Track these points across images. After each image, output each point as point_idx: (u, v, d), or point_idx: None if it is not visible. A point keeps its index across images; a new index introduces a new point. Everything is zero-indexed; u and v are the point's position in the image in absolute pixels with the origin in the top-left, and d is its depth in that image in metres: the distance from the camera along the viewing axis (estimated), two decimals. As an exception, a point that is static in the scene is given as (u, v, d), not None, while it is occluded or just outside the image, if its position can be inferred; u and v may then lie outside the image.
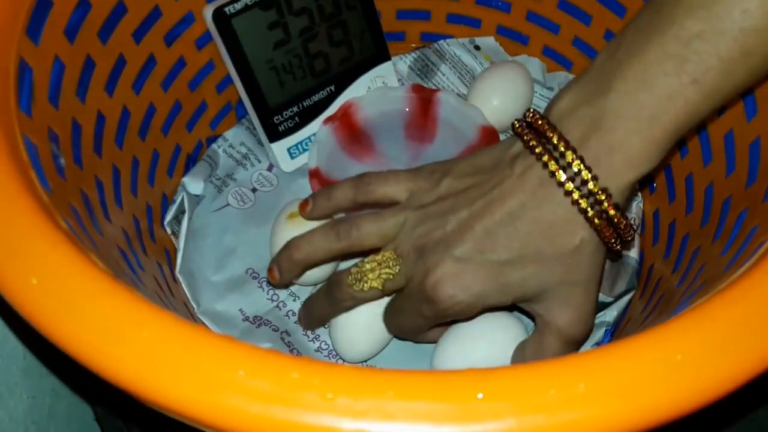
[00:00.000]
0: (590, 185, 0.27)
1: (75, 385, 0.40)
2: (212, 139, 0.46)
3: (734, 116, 0.33)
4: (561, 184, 0.28)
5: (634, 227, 0.31)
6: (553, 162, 0.28)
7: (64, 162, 0.29)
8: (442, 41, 0.50)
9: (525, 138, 0.30)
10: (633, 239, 0.33)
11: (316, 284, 0.41)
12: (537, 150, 0.29)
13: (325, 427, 0.17)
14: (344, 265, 0.41)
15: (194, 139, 0.45)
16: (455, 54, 0.50)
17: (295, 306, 0.40)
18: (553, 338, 0.32)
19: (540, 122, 0.29)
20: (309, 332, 0.39)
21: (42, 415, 0.37)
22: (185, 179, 0.44)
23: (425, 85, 0.48)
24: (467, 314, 0.31)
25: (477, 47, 0.50)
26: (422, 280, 0.31)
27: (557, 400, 0.18)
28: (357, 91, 0.46)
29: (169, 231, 0.42)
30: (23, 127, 0.25)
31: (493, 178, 0.31)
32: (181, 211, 0.42)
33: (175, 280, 0.40)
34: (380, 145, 0.45)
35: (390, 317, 0.35)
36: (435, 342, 0.36)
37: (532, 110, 0.30)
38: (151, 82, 0.39)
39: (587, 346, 0.37)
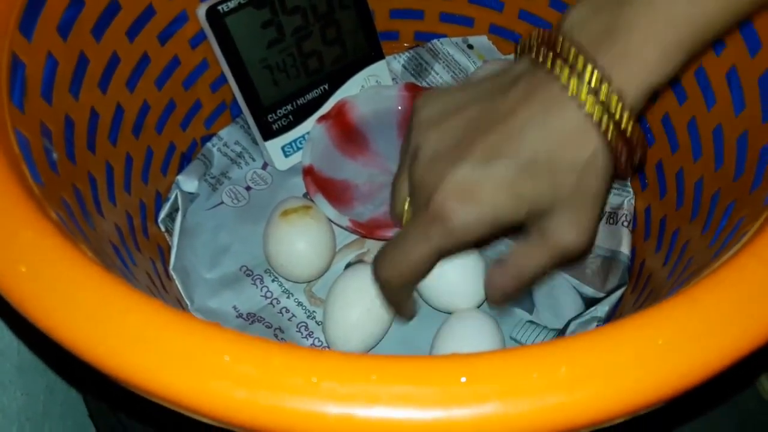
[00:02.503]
0: (603, 90, 0.26)
1: (69, 381, 0.41)
2: (207, 138, 0.46)
3: (722, 111, 0.33)
4: (573, 95, 0.27)
5: (646, 146, 0.29)
6: (565, 70, 0.27)
7: (56, 157, 0.29)
8: (435, 40, 0.50)
9: (533, 51, 0.28)
10: (645, 161, 0.32)
11: (309, 281, 0.41)
12: (547, 60, 0.27)
13: (310, 412, 0.18)
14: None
15: (189, 137, 0.45)
16: (449, 53, 0.50)
17: (289, 303, 0.40)
18: (548, 253, 0.30)
19: (550, 35, 0.28)
20: (303, 329, 0.40)
21: (36, 412, 0.37)
22: (179, 177, 0.44)
23: (419, 84, 0.49)
24: (479, 232, 0.29)
25: (470, 46, 0.50)
26: (429, 199, 0.29)
27: (539, 384, 0.18)
28: (351, 89, 0.46)
29: (162, 228, 0.42)
30: (15, 121, 0.26)
31: (496, 99, 0.29)
32: (174, 209, 0.42)
33: (169, 276, 0.40)
34: (374, 144, 0.45)
35: (388, 251, 0.32)
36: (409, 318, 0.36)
37: (538, 29, 0.29)
38: (145, 80, 0.39)
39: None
